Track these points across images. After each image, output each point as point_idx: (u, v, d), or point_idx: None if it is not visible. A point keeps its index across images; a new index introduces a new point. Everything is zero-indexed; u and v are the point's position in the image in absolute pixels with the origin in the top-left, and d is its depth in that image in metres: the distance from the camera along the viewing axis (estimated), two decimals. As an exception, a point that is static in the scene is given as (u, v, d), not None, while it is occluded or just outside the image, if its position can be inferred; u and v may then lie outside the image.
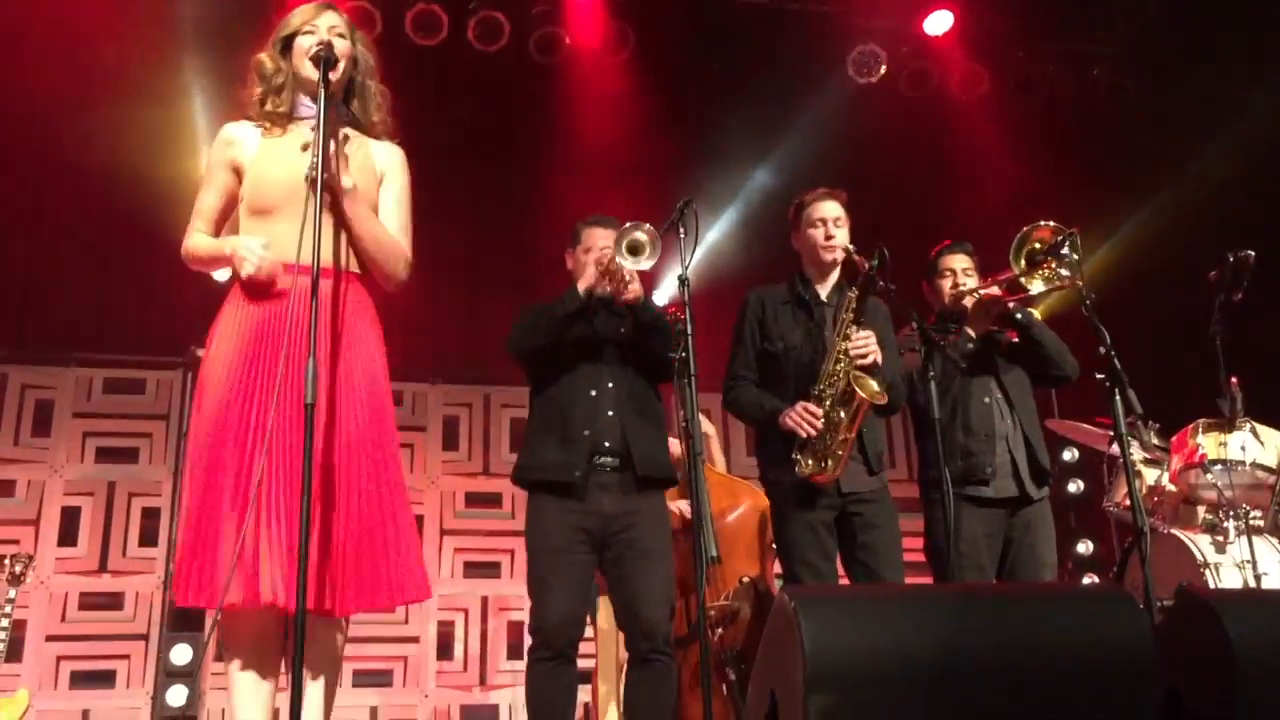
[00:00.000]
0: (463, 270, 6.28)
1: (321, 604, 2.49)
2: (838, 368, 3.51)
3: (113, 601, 5.94)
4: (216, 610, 2.50)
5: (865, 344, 3.50)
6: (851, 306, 3.55)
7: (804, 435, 3.48)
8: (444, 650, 6.30)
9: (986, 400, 3.87)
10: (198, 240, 2.81)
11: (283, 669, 2.63)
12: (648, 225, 3.44)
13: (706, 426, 5.05)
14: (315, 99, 2.67)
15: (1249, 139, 6.25)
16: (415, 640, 6.25)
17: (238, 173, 2.80)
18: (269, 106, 2.81)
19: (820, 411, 3.49)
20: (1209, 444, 4.53)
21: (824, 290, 3.77)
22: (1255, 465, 4.46)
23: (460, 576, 6.43)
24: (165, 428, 6.25)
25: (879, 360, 3.51)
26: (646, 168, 6.45)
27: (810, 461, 3.50)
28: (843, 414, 3.48)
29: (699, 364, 3.36)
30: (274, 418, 2.53)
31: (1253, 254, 4.12)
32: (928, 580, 4.09)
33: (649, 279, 3.83)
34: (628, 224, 3.45)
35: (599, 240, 3.66)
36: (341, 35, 2.81)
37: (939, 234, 4.24)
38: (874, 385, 3.47)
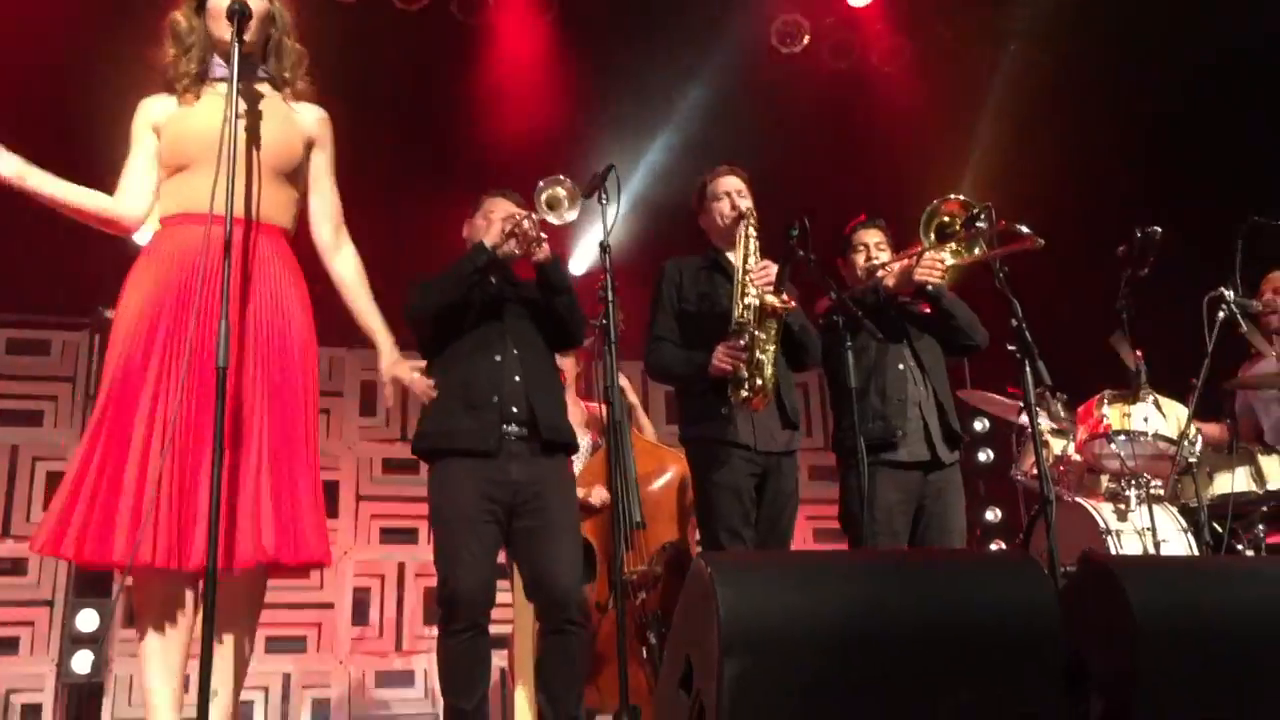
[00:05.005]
0: (381, 234, 6.16)
1: (228, 560, 2.46)
2: (747, 299, 3.61)
3: (16, 567, 5.79)
4: (124, 575, 2.45)
5: (765, 268, 3.62)
6: (746, 238, 3.68)
7: (731, 370, 3.55)
8: (360, 616, 6.26)
9: (900, 367, 3.94)
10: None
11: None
12: (567, 180, 3.46)
13: (631, 397, 5.06)
14: (228, 57, 2.62)
15: (1156, 114, 6.41)
16: (330, 606, 6.20)
17: (157, 134, 2.77)
18: (181, 67, 2.75)
19: (742, 344, 3.56)
20: (1113, 415, 4.66)
21: (736, 259, 3.84)
22: (1157, 436, 4.60)
23: (377, 543, 6.38)
24: (71, 390, 6.09)
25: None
26: (568, 131, 6.41)
27: (744, 389, 3.56)
28: (760, 333, 3.59)
29: (620, 333, 3.39)
30: (184, 373, 2.49)
31: (1160, 230, 4.23)
32: (843, 546, 4.16)
33: (563, 249, 3.85)
34: (545, 179, 3.46)
35: (502, 209, 3.64)
36: None
37: (859, 207, 4.30)
38: (780, 297, 3.59)
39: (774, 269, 3.62)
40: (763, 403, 3.60)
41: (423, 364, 3.13)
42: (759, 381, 3.57)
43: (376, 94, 6.20)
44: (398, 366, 2.98)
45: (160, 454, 2.45)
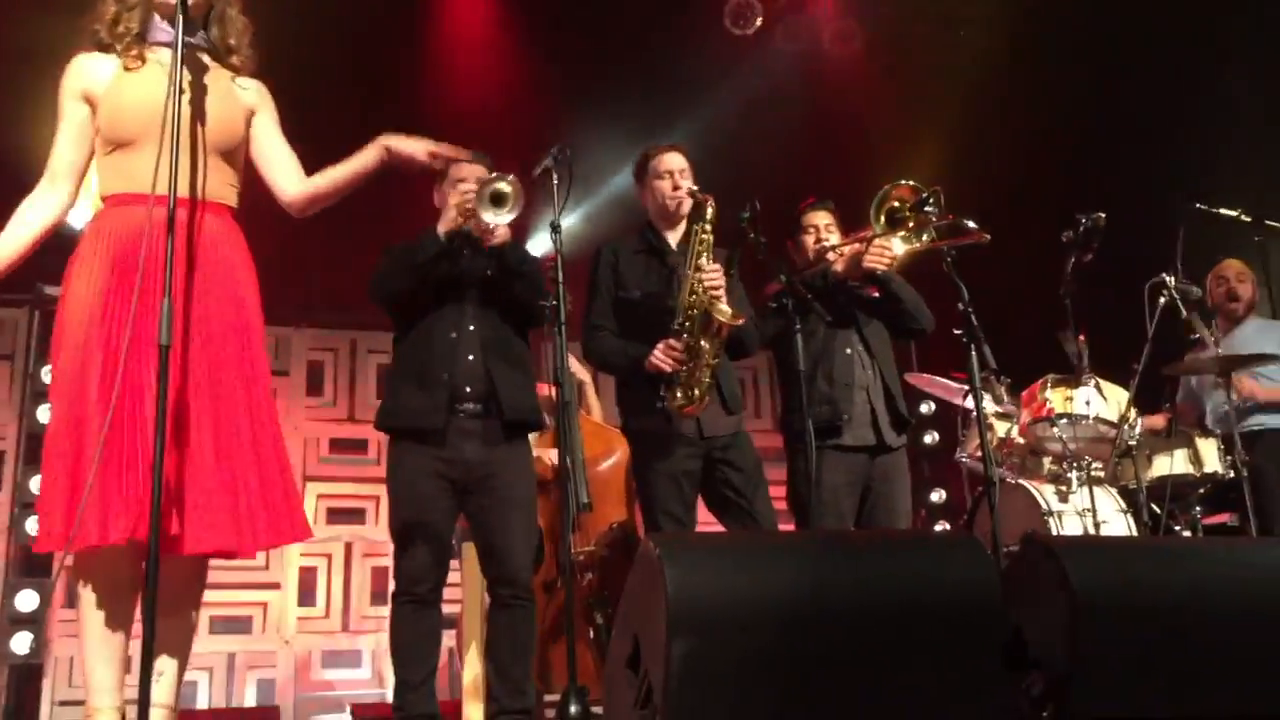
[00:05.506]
0: (329, 209, 6.07)
1: (176, 544, 2.42)
2: (693, 299, 3.59)
3: (-49, 547, 5.67)
4: (64, 555, 2.41)
5: (716, 273, 3.59)
6: (701, 238, 3.63)
7: (669, 371, 3.54)
8: (306, 596, 6.21)
9: (848, 351, 3.96)
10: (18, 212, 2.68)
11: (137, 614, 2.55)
12: (512, 176, 3.39)
13: (582, 374, 5.05)
14: (171, 20, 2.55)
15: (1104, 101, 6.49)
16: (276, 586, 6.14)
17: (91, 103, 2.66)
18: (120, 27, 2.67)
19: (681, 345, 3.55)
20: (1056, 398, 4.73)
21: (673, 239, 3.87)
22: (1098, 419, 4.67)
23: (324, 523, 6.33)
24: (10, 368, 5.96)
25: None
26: (518, 107, 6.36)
27: (679, 394, 3.56)
28: (704, 343, 3.57)
29: (570, 313, 3.37)
30: (126, 357, 2.44)
31: (1104, 216, 4.28)
32: (790, 527, 4.19)
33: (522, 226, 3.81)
34: (492, 174, 3.39)
35: (466, 173, 3.59)
36: None
37: (810, 188, 4.31)
38: (729, 309, 3.56)
39: (721, 278, 3.58)
40: (694, 412, 3.59)
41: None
42: (696, 392, 3.56)
43: (324, 63, 6.10)
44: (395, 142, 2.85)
45: (103, 435, 2.40)
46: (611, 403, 6.16)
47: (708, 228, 3.65)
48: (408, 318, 3.59)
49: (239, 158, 2.78)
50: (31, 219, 2.67)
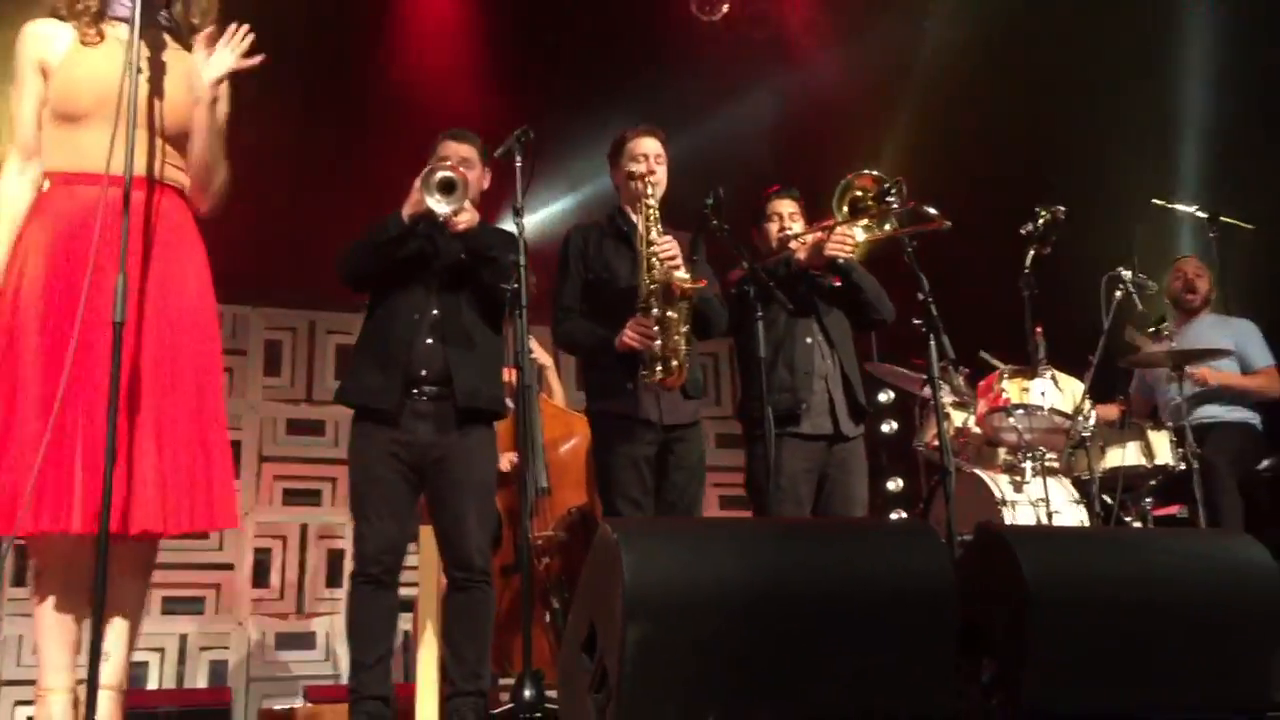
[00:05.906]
0: (289, 187, 6.02)
1: (124, 527, 2.39)
2: (653, 273, 3.59)
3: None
4: (12, 535, 2.38)
5: (668, 242, 3.59)
6: (647, 213, 3.64)
7: (640, 348, 3.54)
8: (260, 578, 6.17)
9: (809, 340, 3.98)
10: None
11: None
12: (459, 168, 3.41)
13: (544, 358, 5.04)
14: (131, -4, 2.51)
15: (1063, 100, 6.55)
16: (230, 567, 6.09)
17: (45, 74, 2.59)
18: (79, 4, 2.61)
19: (652, 321, 3.55)
20: (1012, 389, 4.77)
21: (640, 226, 3.83)
22: (1053, 410, 4.71)
23: (280, 504, 6.28)
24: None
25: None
26: (485, 97, 6.31)
27: (659, 368, 3.56)
28: (671, 313, 3.57)
29: (533, 296, 3.36)
30: (78, 337, 2.40)
31: (1063, 209, 4.33)
32: (748, 513, 4.21)
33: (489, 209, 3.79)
34: (443, 162, 3.42)
35: (450, 153, 3.58)
36: None
37: (775, 176, 4.32)
38: (687, 274, 3.56)
39: (675, 246, 3.59)
40: (677, 382, 3.59)
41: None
42: (674, 363, 3.56)
43: (287, 35, 5.99)
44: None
45: (51, 421, 2.36)
46: (573, 387, 6.17)
47: (651, 201, 3.66)
48: (376, 297, 3.59)
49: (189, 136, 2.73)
50: (16, 211, 2.60)
